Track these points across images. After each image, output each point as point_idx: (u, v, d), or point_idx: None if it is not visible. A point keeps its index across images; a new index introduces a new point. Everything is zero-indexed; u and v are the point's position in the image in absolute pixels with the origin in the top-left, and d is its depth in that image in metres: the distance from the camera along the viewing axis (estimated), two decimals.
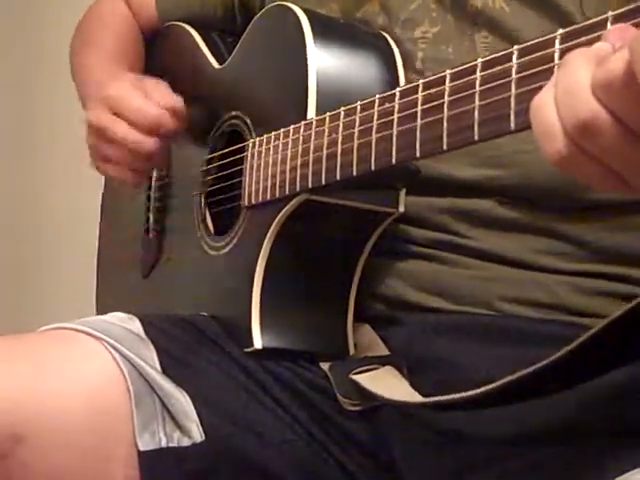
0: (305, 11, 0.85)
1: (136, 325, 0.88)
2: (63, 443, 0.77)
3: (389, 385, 0.81)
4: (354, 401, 0.83)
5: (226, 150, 0.96)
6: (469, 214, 0.83)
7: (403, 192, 0.83)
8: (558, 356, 0.65)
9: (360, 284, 0.86)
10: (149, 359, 0.83)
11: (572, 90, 0.50)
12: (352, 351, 0.86)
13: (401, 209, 0.83)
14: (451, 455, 0.81)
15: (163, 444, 0.79)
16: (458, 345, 0.83)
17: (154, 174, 1.09)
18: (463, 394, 0.70)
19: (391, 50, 0.86)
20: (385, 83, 0.83)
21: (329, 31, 0.85)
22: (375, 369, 0.84)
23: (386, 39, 0.87)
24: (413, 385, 0.82)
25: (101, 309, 1.15)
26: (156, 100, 0.92)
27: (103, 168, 0.97)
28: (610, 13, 0.52)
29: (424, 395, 0.78)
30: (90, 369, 0.81)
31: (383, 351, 0.86)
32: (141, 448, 0.78)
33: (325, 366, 0.86)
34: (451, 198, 0.84)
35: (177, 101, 0.93)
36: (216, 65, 1.01)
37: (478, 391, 0.69)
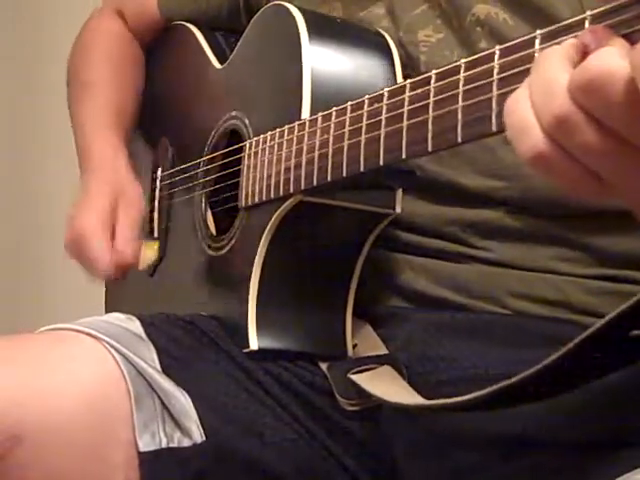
0: (301, 10, 0.85)
1: (136, 325, 0.88)
2: (62, 444, 0.77)
3: (386, 385, 0.81)
4: (352, 401, 0.83)
5: (226, 150, 0.96)
6: (478, 225, 0.83)
7: (400, 192, 0.83)
8: (553, 359, 0.64)
9: (367, 279, 0.86)
10: (149, 359, 0.83)
11: (548, 87, 0.50)
12: (350, 352, 0.86)
13: (398, 210, 0.83)
14: (452, 455, 0.81)
15: (164, 445, 0.79)
16: (460, 344, 0.83)
17: (159, 174, 1.10)
18: (457, 399, 0.70)
19: (389, 49, 0.85)
20: (382, 82, 0.83)
21: (325, 30, 0.85)
22: (373, 369, 0.83)
23: (385, 38, 0.86)
24: (412, 384, 0.81)
25: (111, 308, 1.16)
26: (116, 249, 0.98)
27: None
28: (588, 13, 0.52)
29: (423, 394, 0.78)
30: (90, 369, 0.81)
31: (382, 351, 0.86)
32: (141, 449, 0.78)
33: (324, 366, 0.86)
34: (459, 208, 0.84)
35: (130, 236, 0.99)
36: (217, 65, 1.01)
37: (472, 396, 0.69)
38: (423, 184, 0.84)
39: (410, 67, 0.86)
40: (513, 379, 0.65)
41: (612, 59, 0.47)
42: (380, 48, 0.85)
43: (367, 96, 0.72)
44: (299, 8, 0.85)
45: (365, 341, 0.87)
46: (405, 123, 0.66)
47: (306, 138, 0.78)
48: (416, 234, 0.86)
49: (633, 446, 0.73)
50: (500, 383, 0.66)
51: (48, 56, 1.81)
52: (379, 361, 0.84)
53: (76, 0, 1.50)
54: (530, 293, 0.82)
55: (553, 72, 0.50)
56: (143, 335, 0.87)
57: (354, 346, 0.87)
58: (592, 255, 0.81)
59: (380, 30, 0.88)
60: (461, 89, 0.60)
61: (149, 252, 1.04)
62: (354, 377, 0.82)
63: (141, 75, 1.16)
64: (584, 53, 0.49)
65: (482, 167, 0.82)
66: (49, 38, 1.93)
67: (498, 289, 0.82)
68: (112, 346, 0.82)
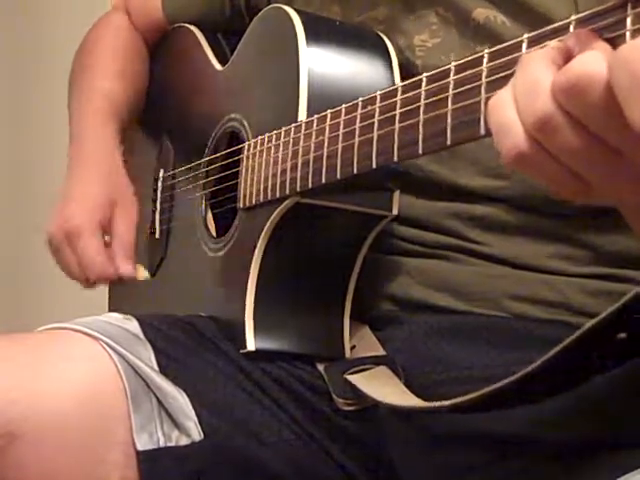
0: (299, 13, 0.85)
1: (134, 325, 0.88)
2: (59, 443, 0.77)
3: (381, 386, 0.81)
4: (349, 401, 0.83)
5: (226, 152, 0.96)
6: (479, 219, 0.83)
7: (397, 195, 0.83)
8: (541, 361, 0.64)
9: (364, 283, 0.86)
10: (146, 359, 0.84)
11: (531, 88, 0.51)
12: (348, 353, 0.86)
13: (395, 211, 0.83)
14: (449, 456, 0.81)
15: (162, 444, 0.80)
16: (459, 347, 0.83)
17: (160, 175, 1.11)
18: (450, 401, 0.70)
19: (387, 52, 0.85)
20: (380, 85, 0.83)
21: (323, 32, 0.85)
22: (369, 369, 0.84)
23: (383, 40, 0.86)
24: (409, 385, 0.81)
25: (114, 308, 1.17)
26: (114, 261, 0.99)
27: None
28: (573, 17, 0.52)
29: (420, 394, 0.78)
30: (87, 369, 0.81)
31: (380, 352, 0.86)
32: (139, 448, 0.79)
33: (321, 367, 0.86)
34: (460, 204, 0.84)
35: (130, 248, 0.99)
36: (218, 67, 1.01)
37: (464, 398, 0.69)
38: (423, 184, 0.84)
39: (408, 72, 0.86)
40: (501, 383, 0.65)
41: (594, 63, 0.47)
42: (378, 50, 0.85)
43: (361, 98, 0.72)
44: (297, 10, 0.86)
45: (363, 343, 0.87)
46: (397, 126, 0.66)
47: (302, 140, 0.79)
48: (415, 227, 0.85)
49: (633, 446, 0.72)
50: (491, 386, 0.67)
51: (48, 56, 1.82)
52: (376, 362, 0.84)
53: (76, 0, 1.51)
54: (529, 295, 0.81)
55: (537, 74, 0.50)
56: (141, 335, 0.87)
57: (352, 348, 0.87)
58: (591, 253, 0.81)
59: (379, 33, 0.88)
60: (451, 92, 0.60)
61: (140, 272, 1.04)
62: (350, 377, 0.83)
63: (144, 71, 1.16)
64: (568, 56, 0.50)
65: (482, 167, 0.82)
66: (49, 38, 1.94)
67: (497, 292, 0.82)
68: (109, 346, 0.82)
